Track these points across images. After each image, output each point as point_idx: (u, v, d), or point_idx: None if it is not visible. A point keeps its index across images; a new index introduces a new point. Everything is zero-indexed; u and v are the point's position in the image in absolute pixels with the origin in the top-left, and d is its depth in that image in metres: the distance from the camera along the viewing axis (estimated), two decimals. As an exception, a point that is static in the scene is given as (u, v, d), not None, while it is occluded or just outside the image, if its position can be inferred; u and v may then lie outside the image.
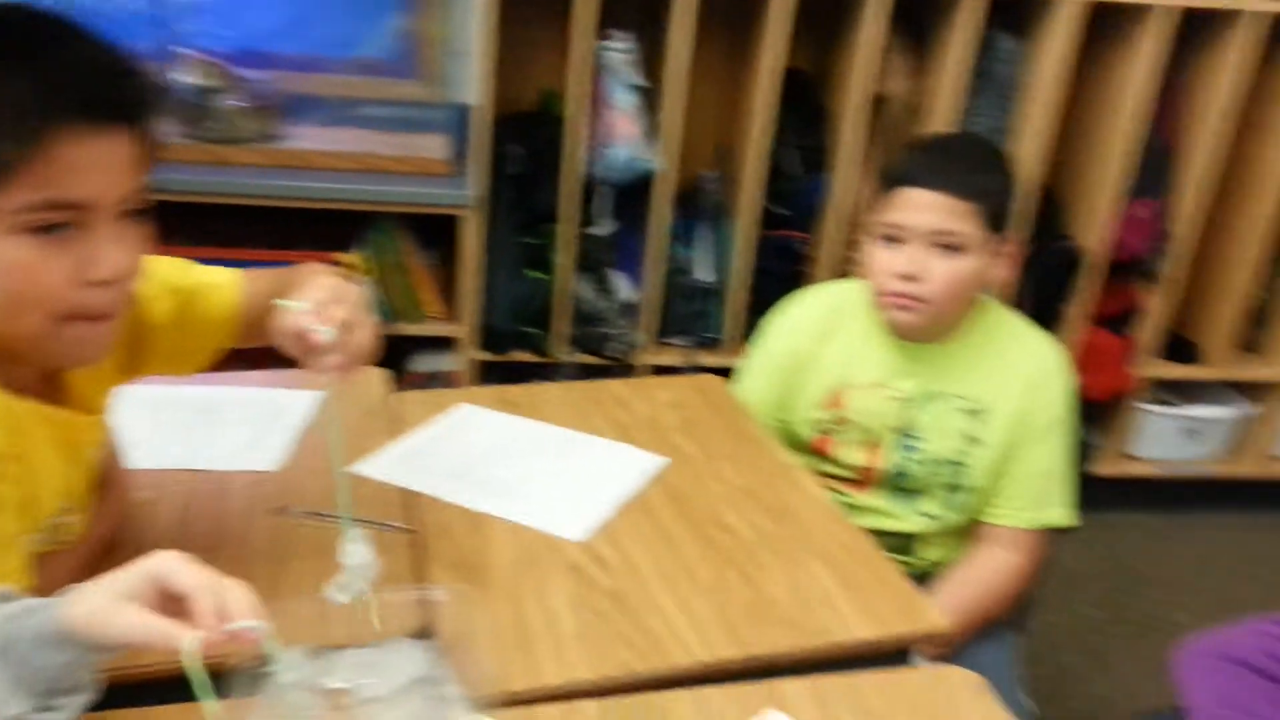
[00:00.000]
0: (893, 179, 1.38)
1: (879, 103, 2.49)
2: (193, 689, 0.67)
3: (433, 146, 2.39)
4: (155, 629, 0.66)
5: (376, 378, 1.47)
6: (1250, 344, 2.81)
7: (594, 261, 2.57)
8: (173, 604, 0.67)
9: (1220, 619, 0.93)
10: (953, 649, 1.30)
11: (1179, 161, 2.57)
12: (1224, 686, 0.87)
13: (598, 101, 2.36)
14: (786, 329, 1.54)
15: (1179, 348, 2.76)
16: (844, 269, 2.58)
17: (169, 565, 0.67)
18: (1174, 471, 2.82)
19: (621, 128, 2.35)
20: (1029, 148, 2.46)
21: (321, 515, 1.12)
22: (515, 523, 1.14)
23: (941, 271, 1.34)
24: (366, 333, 0.92)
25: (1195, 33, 2.44)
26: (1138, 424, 2.78)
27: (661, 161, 2.38)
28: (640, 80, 2.36)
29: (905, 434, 1.44)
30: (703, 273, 2.57)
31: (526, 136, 2.52)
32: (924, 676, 0.95)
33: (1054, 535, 1.47)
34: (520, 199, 2.50)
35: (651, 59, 2.42)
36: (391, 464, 1.24)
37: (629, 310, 2.57)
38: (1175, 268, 2.61)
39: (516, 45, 2.51)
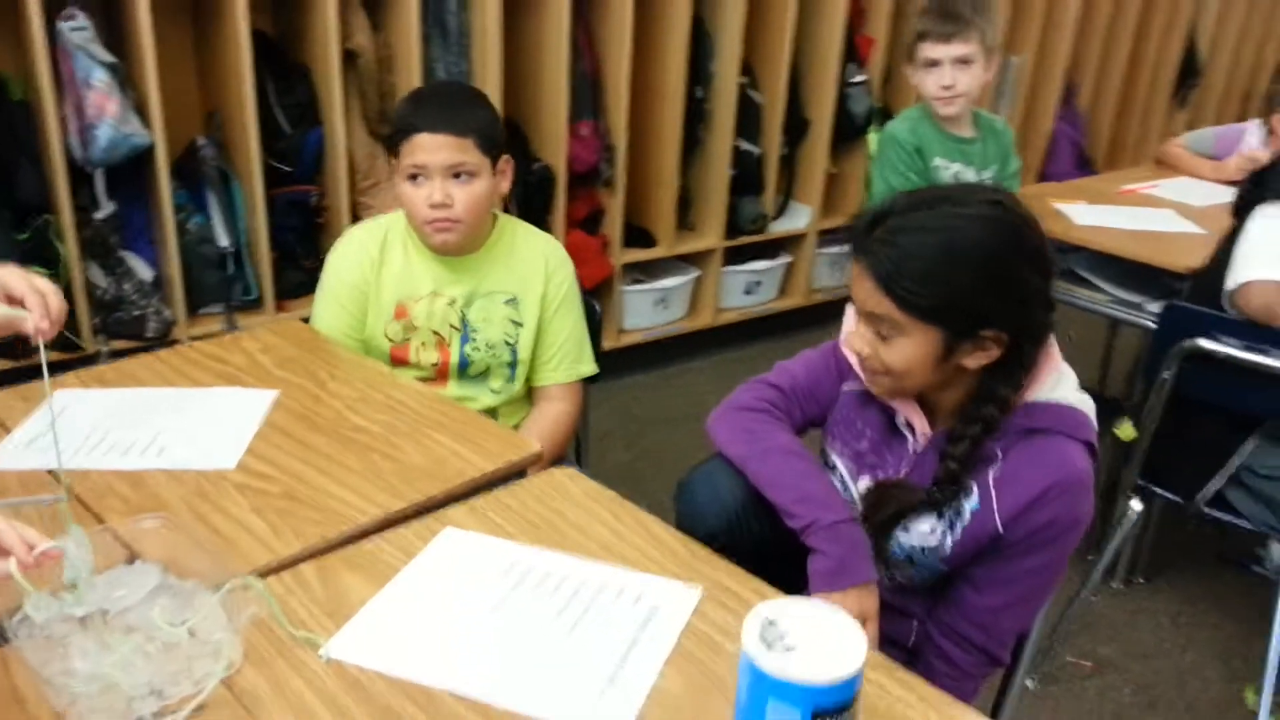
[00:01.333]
0: (404, 129, 1.66)
1: (351, 57, 2.71)
2: None
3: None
4: None
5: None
6: (684, 223, 3.55)
7: (102, 247, 2.51)
8: None
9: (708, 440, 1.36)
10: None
11: (603, 86, 3.15)
12: (734, 423, 1.31)
13: (73, 82, 2.29)
14: (344, 264, 1.77)
15: (638, 236, 3.41)
16: (357, 212, 2.80)
17: None
18: (654, 335, 3.50)
19: (102, 106, 2.32)
20: (488, 87, 2.85)
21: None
22: (169, 469, 1.27)
23: (462, 196, 1.66)
24: (59, 298, 1.09)
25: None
26: (622, 303, 3.40)
27: (149, 135, 2.39)
28: (109, 56, 2.33)
29: (464, 330, 1.76)
30: (222, 239, 2.63)
31: (-10, 127, 2.36)
32: (540, 479, 1.30)
33: (586, 385, 1.91)
34: (2, 194, 2.35)
35: (116, 33, 2.40)
36: (18, 452, 1.28)
37: (153, 289, 2.56)
38: (619, 173, 3.21)
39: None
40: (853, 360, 1.25)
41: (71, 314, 2.43)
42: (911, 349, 1.14)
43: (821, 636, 0.79)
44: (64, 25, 2.25)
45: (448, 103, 1.70)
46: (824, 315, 3.92)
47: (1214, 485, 1.93)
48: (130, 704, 0.89)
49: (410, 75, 2.75)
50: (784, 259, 3.78)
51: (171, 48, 2.59)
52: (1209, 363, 1.89)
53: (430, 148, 1.63)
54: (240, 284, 2.68)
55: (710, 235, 3.52)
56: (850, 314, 1.25)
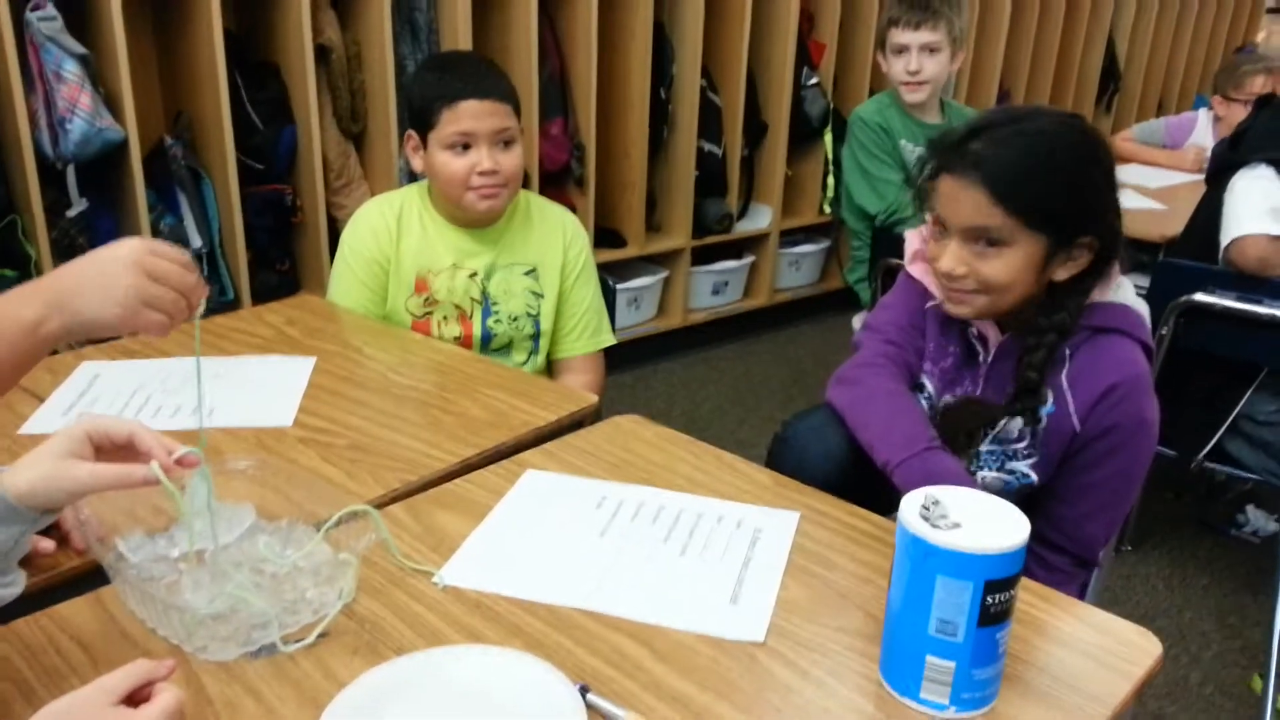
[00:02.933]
0: (446, 96, 1.62)
1: (322, 53, 2.67)
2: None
3: None
4: (108, 474, 0.72)
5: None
6: (651, 224, 3.57)
7: (71, 247, 2.40)
8: (103, 456, 0.73)
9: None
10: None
11: (570, 85, 3.16)
12: (843, 377, 1.28)
13: (42, 75, 2.20)
14: (360, 239, 1.72)
15: (608, 237, 3.40)
16: (330, 212, 2.74)
17: (99, 422, 0.73)
18: (629, 335, 3.49)
19: (74, 99, 2.23)
20: (464, 83, 2.84)
21: None
22: (227, 428, 1.21)
23: (507, 162, 1.65)
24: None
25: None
26: (592, 304, 3.37)
27: (121, 130, 2.31)
28: (80, 48, 2.25)
29: (485, 302, 1.73)
30: (195, 240, 2.55)
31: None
32: (607, 425, 1.28)
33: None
34: (-34, 193, 2.24)
35: (81, 28, 2.32)
36: (55, 419, 1.21)
37: (126, 291, 2.45)
38: (590, 172, 3.21)
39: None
40: (928, 283, 1.26)
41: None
42: (1015, 259, 1.13)
43: (982, 512, 0.80)
44: (33, 15, 2.17)
45: (484, 70, 1.69)
46: (788, 315, 3.97)
47: (1215, 437, 1.99)
48: (251, 632, 0.84)
49: (381, 72, 2.71)
50: (748, 259, 3.81)
51: (135, 47, 2.51)
52: (1203, 317, 1.96)
53: (479, 114, 1.61)
54: (215, 286, 2.59)
55: (678, 235, 3.54)
56: (913, 237, 1.27)
